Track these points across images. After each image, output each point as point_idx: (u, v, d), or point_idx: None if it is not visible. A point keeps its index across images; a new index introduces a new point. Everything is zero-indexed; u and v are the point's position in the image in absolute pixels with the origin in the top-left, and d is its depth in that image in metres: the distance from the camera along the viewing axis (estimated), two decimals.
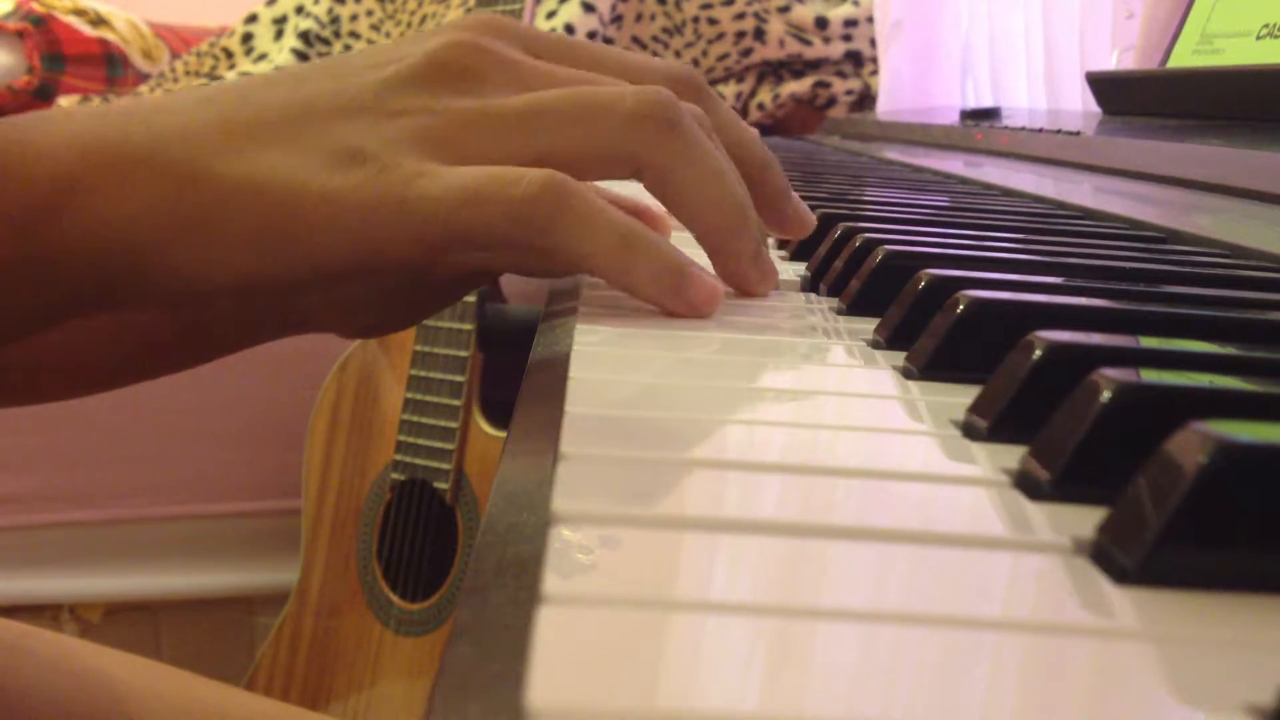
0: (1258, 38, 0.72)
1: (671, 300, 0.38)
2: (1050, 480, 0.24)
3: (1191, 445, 0.21)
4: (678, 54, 1.77)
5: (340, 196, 0.36)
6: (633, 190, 0.44)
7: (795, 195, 0.46)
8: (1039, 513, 0.24)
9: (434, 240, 0.37)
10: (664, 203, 0.41)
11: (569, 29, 1.69)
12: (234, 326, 0.47)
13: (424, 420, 1.30)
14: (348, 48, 1.88)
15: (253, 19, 1.96)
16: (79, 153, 0.36)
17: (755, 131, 0.45)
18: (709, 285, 0.38)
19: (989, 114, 1.10)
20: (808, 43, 1.75)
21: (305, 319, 0.43)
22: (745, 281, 0.42)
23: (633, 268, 0.38)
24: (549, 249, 0.37)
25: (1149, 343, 0.31)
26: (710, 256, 0.42)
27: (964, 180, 0.81)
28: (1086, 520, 0.23)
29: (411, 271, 0.39)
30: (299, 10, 1.93)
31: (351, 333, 0.45)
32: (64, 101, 1.83)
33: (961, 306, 0.33)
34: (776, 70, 1.77)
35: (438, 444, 1.28)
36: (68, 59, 1.94)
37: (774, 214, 0.45)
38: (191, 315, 0.45)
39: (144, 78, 2.03)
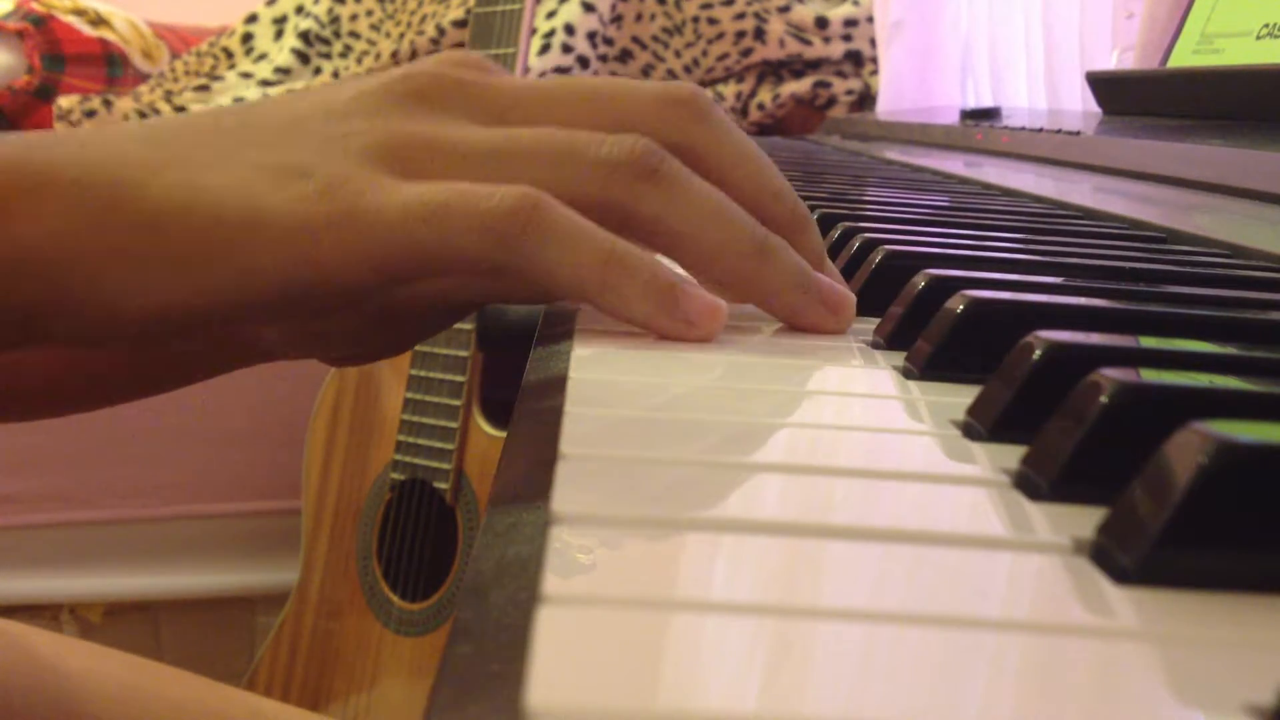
0: (1258, 38, 0.72)
1: (666, 319, 0.35)
2: (1050, 480, 0.24)
3: (1191, 445, 0.21)
4: (678, 54, 1.77)
5: (278, 214, 0.33)
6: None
7: (830, 263, 0.40)
8: (1039, 513, 0.24)
9: (388, 263, 0.33)
10: (666, 255, 0.38)
11: (569, 29, 1.69)
12: (188, 357, 0.45)
13: (424, 420, 1.29)
14: (348, 48, 1.88)
15: (253, 19, 1.96)
16: (0, 175, 0.34)
17: (774, 170, 0.39)
18: (706, 301, 0.35)
19: (989, 114, 1.10)
20: (808, 43, 1.75)
21: (270, 349, 0.41)
22: (797, 315, 0.38)
23: (619, 285, 0.34)
24: (523, 269, 0.34)
25: (1149, 343, 0.31)
26: (757, 305, 0.38)
27: (964, 180, 0.81)
28: (1086, 520, 0.23)
29: (362, 300, 0.35)
30: (299, 10, 1.93)
31: (328, 362, 0.44)
32: (64, 102, 1.83)
33: (961, 306, 0.33)
34: (776, 70, 1.77)
35: (438, 444, 1.28)
36: (68, 59, 1.94)
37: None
38: (125, 354, 0.42)
39: (144, 78, 2.03)
